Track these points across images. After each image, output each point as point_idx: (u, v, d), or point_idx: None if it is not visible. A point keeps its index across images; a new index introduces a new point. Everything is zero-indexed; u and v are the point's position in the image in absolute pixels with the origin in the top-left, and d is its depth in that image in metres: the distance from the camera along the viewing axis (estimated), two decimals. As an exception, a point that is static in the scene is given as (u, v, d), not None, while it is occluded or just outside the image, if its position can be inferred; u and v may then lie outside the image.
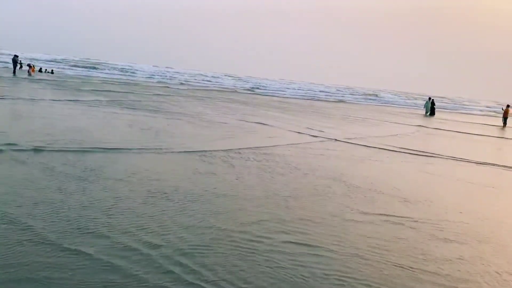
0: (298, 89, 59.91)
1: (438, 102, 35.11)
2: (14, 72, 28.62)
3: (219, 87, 44.60)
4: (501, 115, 28.30)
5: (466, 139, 14.63)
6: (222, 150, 7.02)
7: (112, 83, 29.68)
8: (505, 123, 26.06)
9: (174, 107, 15.31)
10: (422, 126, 18.28)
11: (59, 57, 62.52)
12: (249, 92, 42.09)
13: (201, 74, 67.30)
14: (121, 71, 55.15)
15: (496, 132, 20.56)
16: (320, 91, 59.54)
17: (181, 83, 44.36)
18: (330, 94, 57.03)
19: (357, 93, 62.76)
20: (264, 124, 12.17)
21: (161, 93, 24.70)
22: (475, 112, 45.73)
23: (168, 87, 33.89)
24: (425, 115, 28.47)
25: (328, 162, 7.20)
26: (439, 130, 17.13)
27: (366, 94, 62.33)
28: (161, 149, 6.75)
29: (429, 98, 29.85)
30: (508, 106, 26.67)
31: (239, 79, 69.23)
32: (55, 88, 19.81)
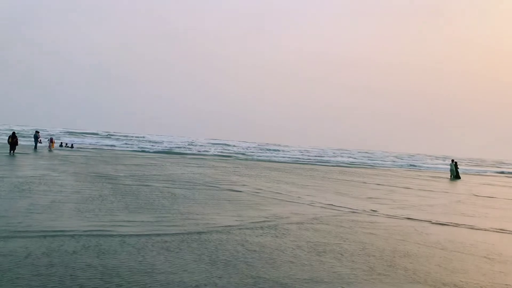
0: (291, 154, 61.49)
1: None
2: (35, 147, 31.99)
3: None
4: None
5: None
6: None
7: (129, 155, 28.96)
8: None
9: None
10: (472, 194, 18.70)
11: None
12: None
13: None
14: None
15: None
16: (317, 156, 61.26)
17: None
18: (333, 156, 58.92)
19: (359, 156, 65.33)
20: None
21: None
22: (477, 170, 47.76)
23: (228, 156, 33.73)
24: (451, 179, 29.15)
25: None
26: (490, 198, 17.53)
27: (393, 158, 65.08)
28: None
29: (452, 161, 30.80)
30: None
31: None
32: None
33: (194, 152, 47.66)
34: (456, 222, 9.43)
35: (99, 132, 72.96)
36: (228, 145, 68.12)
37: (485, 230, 8.73)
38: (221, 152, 50.52)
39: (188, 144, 59.11)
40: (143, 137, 68.70)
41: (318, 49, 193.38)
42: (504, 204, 15.02)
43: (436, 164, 58.41)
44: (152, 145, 52.28)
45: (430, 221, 9.28)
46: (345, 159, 56.77)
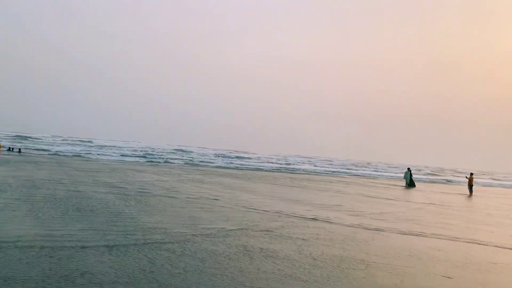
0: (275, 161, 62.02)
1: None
2: None
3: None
4: (466, 184, 31.39)
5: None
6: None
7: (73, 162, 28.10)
8: (471, 191, 28.96)
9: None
10: (429, 202, 19.62)
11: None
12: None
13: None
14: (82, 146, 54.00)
15: (471, 201, 22.59)
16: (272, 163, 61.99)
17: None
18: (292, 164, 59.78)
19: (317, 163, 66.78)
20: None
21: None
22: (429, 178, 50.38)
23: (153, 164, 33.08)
24: (406, 187, 30.38)
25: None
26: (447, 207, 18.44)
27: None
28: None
29: (408, 169, 32.11)
30: (471, 174, 29.93)
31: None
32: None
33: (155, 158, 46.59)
34: (402, 230, 9.74)
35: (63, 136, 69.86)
36: (183, 151, 67.17)
37: (428, 237, 9.06)
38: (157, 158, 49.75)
39: (146, 152, 57.59)
40: (91, 141, 65.90)
41: (282, 53, 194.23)
42: (449, 210, 15.78)
43: (396, 172, 60.72)
44: (102, 151, 50.39)
45: (366, 228, 9.51)
46: (309, 167, 57.74)
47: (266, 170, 44.30)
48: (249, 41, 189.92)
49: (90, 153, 47.31)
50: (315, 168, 57.58)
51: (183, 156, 55.92)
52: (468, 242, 9.01)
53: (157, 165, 38.88)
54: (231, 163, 52.60)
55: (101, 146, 58.52)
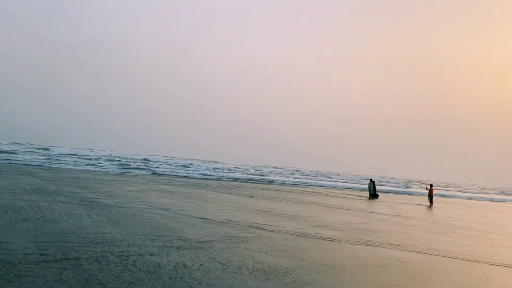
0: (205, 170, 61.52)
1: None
2: None
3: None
4: (427, 195, 32.20)
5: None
6: None
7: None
8: (431, 202, 29.72)
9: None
10: (394, 214, 19.89)
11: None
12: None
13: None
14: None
15: (431, 213, 23.16)
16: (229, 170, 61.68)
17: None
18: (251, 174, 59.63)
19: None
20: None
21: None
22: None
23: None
24: (369, 198, 30.84)
25: None
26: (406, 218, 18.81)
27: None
28: None
29: (371, 180, 32.64)
30: (431, 185, 30.77)
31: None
32: None
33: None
34: (358, 240, 9.69)
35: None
36: (148, 160, 65.74)
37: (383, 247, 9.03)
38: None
39: (111, 160, 55.80)
40: (48, 149, 63.17)
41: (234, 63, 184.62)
42: (407, 221, 16.04)
43: (362, 184, 61.65)
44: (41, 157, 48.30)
45: (312, 236, 9.41)
46: (276, 178, 57.76)
47: (230, 180, 43.92)
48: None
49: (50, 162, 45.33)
50: (285, 179, 57.67)
51: (148, 166, 54.73)
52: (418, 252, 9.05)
53: (122, 174, 37.73)
54: (199, 172, 51.93)
55: (60, 154, 56.36)
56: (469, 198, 50.94)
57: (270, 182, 47.97)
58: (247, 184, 37.06)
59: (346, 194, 34.55)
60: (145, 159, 64.85)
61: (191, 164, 66.81)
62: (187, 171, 51.88)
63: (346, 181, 68.71)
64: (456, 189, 74.16)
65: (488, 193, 66.57)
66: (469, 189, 79.20)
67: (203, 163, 74.81)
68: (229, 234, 9.38)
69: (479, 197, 53.14)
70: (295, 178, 62.67)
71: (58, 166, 40.38)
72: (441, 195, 48.15)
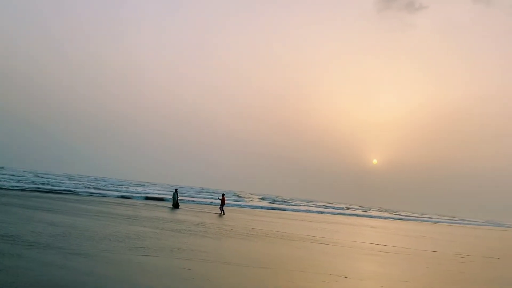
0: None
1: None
2: None
3: None
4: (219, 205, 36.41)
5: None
6: None
7: None
8: (222, 210, 34.09)
9: None
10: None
11: None
12: None
13: None
14: None
15: (221, 220, 26.56)
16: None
17: None
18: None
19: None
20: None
21: None
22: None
23: None
24: (172, 208, 32.55)
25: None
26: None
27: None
28: None
29: (176, 190, 34.81)
30: (223, 194, 35.57)
31: None
32: None
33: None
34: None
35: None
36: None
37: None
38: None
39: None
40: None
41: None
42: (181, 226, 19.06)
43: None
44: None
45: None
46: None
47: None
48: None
49: None
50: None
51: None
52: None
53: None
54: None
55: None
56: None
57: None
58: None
59: (148, 204, 35.93)
60: None
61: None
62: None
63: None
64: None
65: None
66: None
67: None
68: None
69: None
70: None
71: None
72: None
